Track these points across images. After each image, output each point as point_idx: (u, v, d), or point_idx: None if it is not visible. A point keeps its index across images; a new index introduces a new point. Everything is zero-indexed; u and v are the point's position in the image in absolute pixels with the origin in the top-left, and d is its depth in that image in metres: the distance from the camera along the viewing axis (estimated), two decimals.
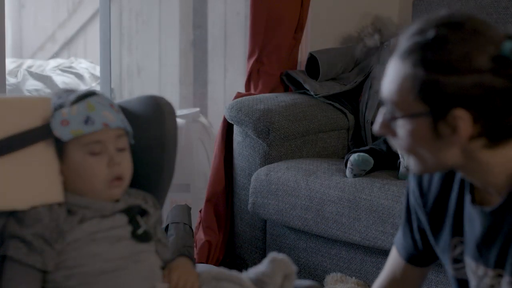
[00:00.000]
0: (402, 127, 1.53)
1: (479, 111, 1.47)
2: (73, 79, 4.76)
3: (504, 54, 1.46)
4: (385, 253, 2.95)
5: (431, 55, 1.47)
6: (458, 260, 1.67)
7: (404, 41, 1.51)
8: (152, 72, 4.54)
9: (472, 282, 1.64)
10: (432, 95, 1.47)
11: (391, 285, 1.84)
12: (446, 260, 1.70)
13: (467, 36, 1.47)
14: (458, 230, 1.65)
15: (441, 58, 1.47)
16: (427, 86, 1.47)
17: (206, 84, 4.46)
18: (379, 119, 1.57)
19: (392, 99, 1.52)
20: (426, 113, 1.49)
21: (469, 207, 1.61)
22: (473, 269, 1.63)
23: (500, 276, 1.57)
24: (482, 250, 1.60)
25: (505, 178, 1.52)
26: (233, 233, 3.45)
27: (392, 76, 1.52)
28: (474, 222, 1.60)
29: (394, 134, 1.56)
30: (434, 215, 1.69)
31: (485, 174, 1.54)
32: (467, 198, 1.62)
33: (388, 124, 1.55)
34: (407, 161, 1.60)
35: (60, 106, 1.94)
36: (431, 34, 1.48)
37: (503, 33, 1.50)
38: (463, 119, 1.47)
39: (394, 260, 1.84)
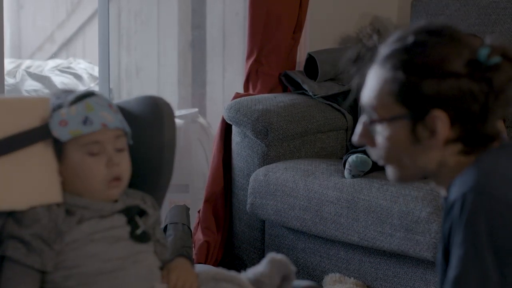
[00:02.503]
0: (381, 132, 1.56)
1: (456, 112, 1.50)
2: (72, 80, 4.75)
3: (480, 60, 1.51)
4: (383, 253, 2.95)
5: (410, 58, 1.52)
6: None
7: (383, 49, 1.56)
8: (151, 72, 4.53)
9: None
10: (411, 97, 1.51)
11: None
12: None
13: (445, 41, 1.52)
14: None
15: (420, 61, 1.51)
16: (406, 88, 1.51)
17: (205, 85, 4.45)
18: (358, 129, 1.60)
19: (372, 104, 1.56)
20: (405, 115, 1.52)
21: None
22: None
23: None
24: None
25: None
26: (231, 233, 3.45)
27: (372, 82, 1.56)
28: None
29: (373, 143, 1.59)
30: None
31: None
32: None
33: (368, 132, 1.58)
34: (386, 171, 1.61)
35: (58, 107, 1.94)
36: (410, 39, 1.53)
37: (479, 41, 1.54)
38: (441, 120, 1.50)
39: None
